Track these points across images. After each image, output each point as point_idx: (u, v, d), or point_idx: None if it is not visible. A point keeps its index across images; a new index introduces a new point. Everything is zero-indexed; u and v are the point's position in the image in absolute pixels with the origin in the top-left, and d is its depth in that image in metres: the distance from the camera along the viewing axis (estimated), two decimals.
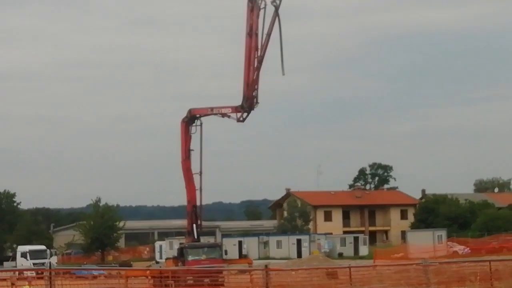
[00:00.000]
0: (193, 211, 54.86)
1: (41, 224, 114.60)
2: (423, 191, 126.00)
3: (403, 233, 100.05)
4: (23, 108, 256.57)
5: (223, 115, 52.36)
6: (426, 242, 78.49)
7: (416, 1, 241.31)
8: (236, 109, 51.70)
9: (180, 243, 60.72)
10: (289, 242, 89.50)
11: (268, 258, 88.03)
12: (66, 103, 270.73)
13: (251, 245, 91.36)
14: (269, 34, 49.47)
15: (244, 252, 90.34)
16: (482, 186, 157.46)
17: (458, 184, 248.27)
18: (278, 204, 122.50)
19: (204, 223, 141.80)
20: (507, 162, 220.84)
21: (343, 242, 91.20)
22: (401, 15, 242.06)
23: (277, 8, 48.96)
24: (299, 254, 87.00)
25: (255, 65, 49.72)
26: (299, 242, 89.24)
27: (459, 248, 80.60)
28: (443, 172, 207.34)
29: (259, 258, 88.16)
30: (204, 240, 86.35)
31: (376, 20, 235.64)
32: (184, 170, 54.61)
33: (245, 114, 51.65)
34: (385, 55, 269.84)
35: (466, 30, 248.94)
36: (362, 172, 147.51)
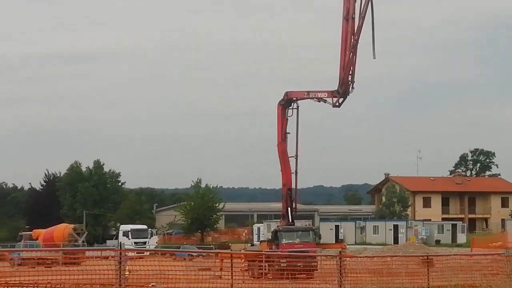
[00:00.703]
0: (288, 194, 55.41)
1: (144, 204, 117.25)
2: None
3: (503, 221, 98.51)
4: (124, 90, 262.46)
5: (319, 99, 52.60)
6: None
7: None
8: (332, 94, 51.88)
9: (278, 226, 61.57)
10: (385, 228, 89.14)
11: (364, 243, 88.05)
12: (166, 85, 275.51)
13: (347, 230, 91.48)
14: (363, 17, 49.49)
15: (340, 236, 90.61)
16: None
17: None
18: (376, 189, 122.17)
19: (303, 207, 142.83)
20: None
21: (440, 229, 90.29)
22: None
23: None
24: (396, 240, 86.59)
25: (350, 49, 49.92)
26: (396, 228, 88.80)
27: None
28: None
29: (356, 243, 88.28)
30: (300, 223, 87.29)
31: (483, 4, 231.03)
32: (280, 153, 55.19)
33: (341, 99, 51.74)
34: (491, 39, 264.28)
35: None
36: (463, 158, 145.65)
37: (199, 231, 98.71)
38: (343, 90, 50.88)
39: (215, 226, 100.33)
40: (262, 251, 54.34)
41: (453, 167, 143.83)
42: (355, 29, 49.91)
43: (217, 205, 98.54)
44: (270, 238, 56.02)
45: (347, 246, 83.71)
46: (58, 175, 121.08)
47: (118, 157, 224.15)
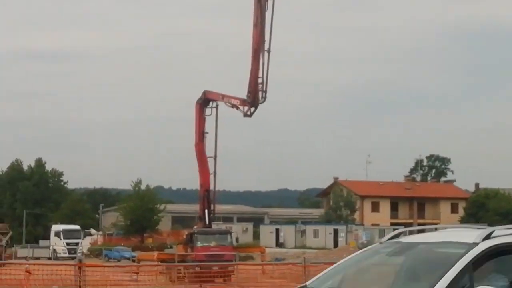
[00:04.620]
0: (206, 196, 53.70)
1: (86, 204, 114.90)
2: (477, 185, 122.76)
3: None
4: (78, 89, 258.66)
5: (232, 105, 50.60)
6: None
7: None
8: (243, 102, 49.82)
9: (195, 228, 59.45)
10: (326, 232, 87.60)
11: (304, 247, 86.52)
12: (123, 86, 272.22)
13: (288, 233, 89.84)
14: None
15: (280, 240, 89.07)
16: None
17: None
18: (325, 193, 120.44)
19: (253, 209, 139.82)
20: None
21: (382, 234, 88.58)
22: (481, 9, 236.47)
23: None
24: (336, 244, 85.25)
25: (254, 56, 48.13)
26: (336, 232, 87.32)
27: None
28: (503, 167, 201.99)
29: (296, 247, 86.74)
30: (240, 226, 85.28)
31: (454, 14, 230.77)
32: (198, 154, 53.47)
33: (252, 109, 49.67)
34: (459, 49, 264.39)
35: None
36: (418, 163, 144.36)
37: (139, 233, 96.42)
38: (252, 99, 48.83)
39: (156, 227, 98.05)
40: (176, 254, 52.62)
41: (408, 172, 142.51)
42: (266, 38, 48.33)
43: (158, 206, 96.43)
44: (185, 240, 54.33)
45: (287, 250, 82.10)
46: None
47: (78, 157, 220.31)
